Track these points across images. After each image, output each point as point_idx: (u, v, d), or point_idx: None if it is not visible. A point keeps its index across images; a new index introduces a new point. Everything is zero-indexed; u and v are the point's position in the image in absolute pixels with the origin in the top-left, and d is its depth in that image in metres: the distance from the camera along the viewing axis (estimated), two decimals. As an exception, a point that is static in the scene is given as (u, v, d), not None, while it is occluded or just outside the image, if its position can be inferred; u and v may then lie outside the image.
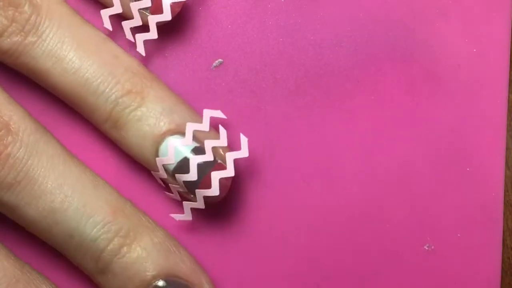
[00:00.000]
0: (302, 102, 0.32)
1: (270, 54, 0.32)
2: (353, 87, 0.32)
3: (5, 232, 0.31)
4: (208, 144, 0.29)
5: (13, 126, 0.28)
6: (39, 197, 0.28)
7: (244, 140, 0.29)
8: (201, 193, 0.29)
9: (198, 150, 0.28)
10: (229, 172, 0.28)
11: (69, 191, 0.28)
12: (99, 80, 0.28)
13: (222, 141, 0.29)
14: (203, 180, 0.28)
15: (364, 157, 0.32)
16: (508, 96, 0.32)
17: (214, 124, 0.30)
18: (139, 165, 0.31)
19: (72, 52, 0.28)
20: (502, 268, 0.32)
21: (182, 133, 0.29)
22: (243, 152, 0.29)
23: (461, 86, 0.32)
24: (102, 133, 0.30)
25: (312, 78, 0.32)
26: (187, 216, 0.29)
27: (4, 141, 0.27)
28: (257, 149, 0.31)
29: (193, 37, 0.32)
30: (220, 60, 0.32)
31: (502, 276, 0.32)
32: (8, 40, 0.28)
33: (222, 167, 0.28)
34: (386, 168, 0.32)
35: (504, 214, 0.32)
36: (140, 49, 0.30)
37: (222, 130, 0.29)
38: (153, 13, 0.29)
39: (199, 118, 0.29)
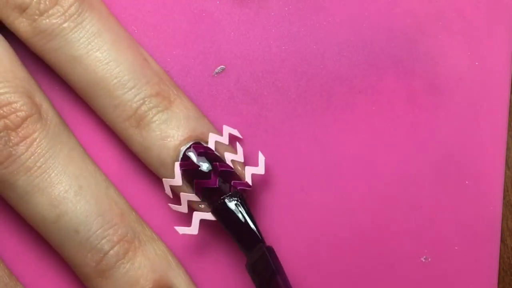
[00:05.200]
0: (303, 110, 0.32)
1: (272, 62, 0.32)
2: (354, 96, 0.32)
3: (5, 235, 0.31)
4: (228, 156, 0.29)
5: (43, 113, 0.28)
6: (55, 185, 0.28)
7: (261, 158, 0.29)
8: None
9: (220, 158, 0.29)
10: (248, 184, 0.29)
11: (84, 183, 0.28)
12: (130, 75, 0.28)
13: (239, 156, 0.29)
14: (223, 188, 0.28)
15: (363, 167, 0.32)
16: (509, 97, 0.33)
17: (231, 141, 0.30)
18: (141, 177, 0.31)
19: (109, 44, 0.29)
20: (502, 268, 0.32)
21: (204, 142, 0.29)
22: (260, 169, 0.29)
23: (462, 99, 0.32)
24: (114, 133, 0.30)
25: (313, 86, 0.32)
26: (193, 229, 0.29)
27: (35, 126, 0.28)
28: (256, 156, 0.31)
29: (196, 43, 0.32)
30: (222, 66, 0.32)
31: (502, 276, 0.32)
32: (47, 20, 0.28)
33: (240, 179, 0.29)
34: (385, 178, 0.32)
35: (504, 214, 0.32)
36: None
37: (239, 147, 0.30)
38: None
39: (219, 132, 0.30)
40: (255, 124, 0.32)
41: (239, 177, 0.29)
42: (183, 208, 0.29)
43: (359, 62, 0.32)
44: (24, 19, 0.28)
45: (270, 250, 0.28)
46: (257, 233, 0.28)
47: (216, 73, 0.32)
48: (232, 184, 0.28)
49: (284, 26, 0.32)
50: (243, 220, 0.28)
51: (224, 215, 0.28)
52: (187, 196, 0.29)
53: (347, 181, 0.32)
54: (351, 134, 0.32)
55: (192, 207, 0.29)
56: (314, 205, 0.31)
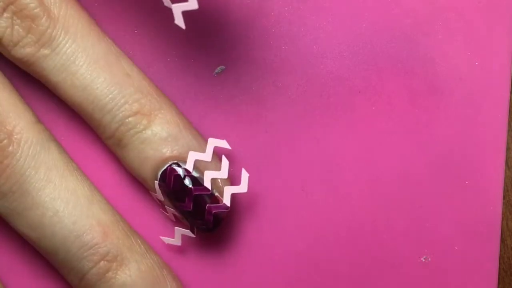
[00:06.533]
0: (303, 111, 0.32)
1: (272, 62, 0.32)
2: (354, 97, 0.32)
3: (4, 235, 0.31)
4: (208, 175, 0.28)
5: (15, 136, 0.28)
6: (30, 209, 0.28)
7: (245, 175, 0.29)
8: (194, 223, 0.29)
9: (197, 181, 0.28)
10: (225, 206, 0.28)
11: (61, 206, 0.28)
12: (107, 99, 0.28)
13: (223, 172, 0.29)
14: (198, 211, 0.28)
15: (363, 167, 0.32)
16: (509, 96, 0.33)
17: (219, 152, 0.30)
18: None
19: (84, 68, 0.28)
20: (502, 268, 0.32)
21: (184, 161, 0.29)
22: (242, 187, 0.29)
23: (462, 99, 0.32)
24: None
25: (313, 87, 0.32)
26: (176, 241, 0.29)
27: (5, 152, 0.27)
28: (257, 156, 0.31)
29: (196, 43, 0.32)
30: (222, 66, 0.32)
31: (502, 276, 0.32)
32: (22, 50, 0.28)
33: (218, 200, 0.29)
34: (385, 179, 0.32)
35: (504, 214, 0.32)
36: (179, 21, 0.26)
37: (224, 161, 0.29)
38: None
39: (203, 144, 0.29)
40: (255, 124, 0.32)
41: (216, 199, 0.29)
42: (177, 241, 0.30)
43: (359, 62, 0.32)
44: (3, 48, 0.28)
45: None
46: None
47: (216, 73, 0.32)
48: (206, 208, 0.28)
49: (283, 26, 0.32)
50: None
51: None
52: (181, 230, 0.29)
53: (347, 181, 0.32)
54: (351, 134, 0.32)
55: (177, 217, 0.30)
56: (314, 205, 0.31)
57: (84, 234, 0.28)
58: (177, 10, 0.25)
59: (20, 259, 0.31)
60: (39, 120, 0.29)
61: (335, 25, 0.32)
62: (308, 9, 0.32)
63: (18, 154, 0.28)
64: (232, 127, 0.31)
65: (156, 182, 0.29)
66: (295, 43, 0.32)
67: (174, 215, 0.30)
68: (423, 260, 0.32)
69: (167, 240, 0.30)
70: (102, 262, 0.28)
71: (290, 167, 0.32)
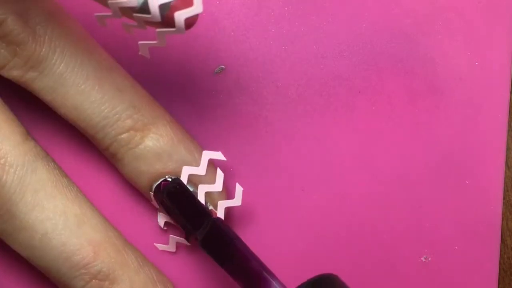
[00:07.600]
0: (303, 111, 0.32)
1: (271, 62, 0.32)
2: (354, 97, 0.32)
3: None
4: (202, 189, 0.28)
5: (0, 160, 0.27)
6: (20, 231, 0.27)
7: (239, 189, 0.29)
8: (189, 235, 0.29)
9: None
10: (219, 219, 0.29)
11: (49, 228, 0.27)
12: (99, 118, 0.28)
13: (217, 185, 0.29)
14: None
15: (363, 167, 0.32)
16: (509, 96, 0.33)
17: (215, 162, 0.29)
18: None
19: (73, 89, 0.28)
20: (502, 268, 0.32)
21: (178, 176, 0.28)
22: (236, 201, 0.29)
23: (462, 99, 0.32)
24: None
25: (313, 87, 0.32)
26: (170, 247, 0.30)
27: None
28: (256, 156, 0.31)
29: (196, 43, 0.32)
30: (222, 66, 0.32)
31: (502, 276, 0.32)
32: (9, 72, 0.28)
33: (213, 213, 0.28)
34: (385, 178, 0.32)
35: (504, 214, 0.32)
36: (144, 52, 0.27)
37: (219, 174, 0.29)
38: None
39: (198, 157, 0.29)
40: (255, 124, 0.32)
41: (211, 212, 0.29)
42: (171, 248, 0.30)
43: (359, 62, 0.32)
44: None
45: (219, 220, 0.28)
46: (205, 209, 0.28)
47: (216, 73, 0.32)
48: None
49: (283, 27, 0.32)
50: (189, 200, 0.28)
51: (173, 200, 0.28)
52: (176, 238, 0.30)
53: (347, 181, 0.32)
54: (351, 134, 0.32)
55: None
56: (314, 205, 0.31)
57: (74, 255, 0.27)
58: (144, 46, 0.26)
59: (20, 261, 0.31)
60: (28, 136, 0.28)
61: (335, 25, 0.32)
62: (308, 9, 0.32)
63: (2, 180, 0.27)
64: (232, 127, 0.31)
65: (151, 193, 0.29)
66: (295, 43, 0.32)
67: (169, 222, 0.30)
68: (423, 260, 0.32)
69: (161, 246, 0.30)
70: (93, 281, 0.28)
71: (290, 167, 0.32)
